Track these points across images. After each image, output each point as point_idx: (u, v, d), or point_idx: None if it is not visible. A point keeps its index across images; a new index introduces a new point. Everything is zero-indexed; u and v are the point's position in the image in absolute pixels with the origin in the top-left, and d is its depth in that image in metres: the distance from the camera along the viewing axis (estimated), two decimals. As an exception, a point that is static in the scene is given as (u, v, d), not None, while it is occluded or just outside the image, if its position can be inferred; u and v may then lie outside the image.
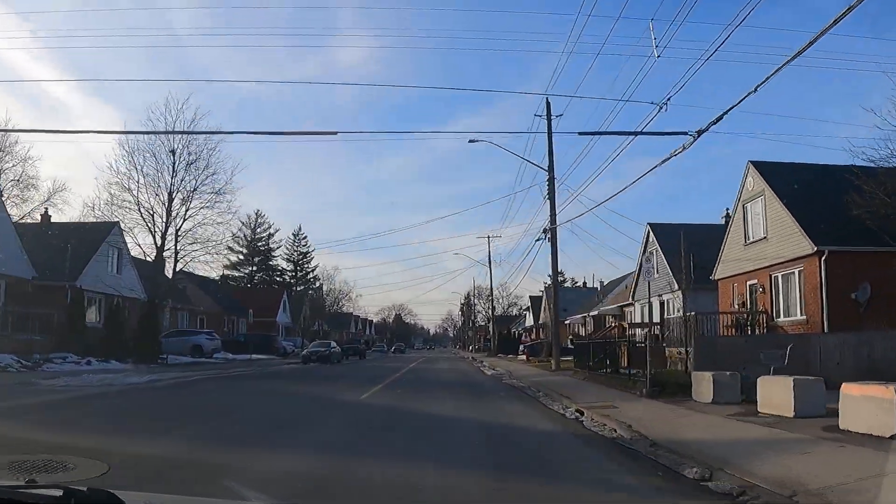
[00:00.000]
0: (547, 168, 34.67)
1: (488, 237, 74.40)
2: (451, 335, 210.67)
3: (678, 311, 36.00)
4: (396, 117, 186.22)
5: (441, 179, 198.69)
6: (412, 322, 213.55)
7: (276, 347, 58.60)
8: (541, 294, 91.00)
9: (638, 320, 41.10)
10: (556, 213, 34.40)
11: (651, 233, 39.91)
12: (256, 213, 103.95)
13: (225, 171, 50.98)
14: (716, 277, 31.20)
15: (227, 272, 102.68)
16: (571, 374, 28.68)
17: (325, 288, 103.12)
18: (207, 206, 42.10)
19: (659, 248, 38.39)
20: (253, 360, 48.85)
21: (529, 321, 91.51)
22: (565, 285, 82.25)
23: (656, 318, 38.99)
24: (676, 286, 35.75)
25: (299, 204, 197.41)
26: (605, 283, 71.89)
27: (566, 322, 69.59)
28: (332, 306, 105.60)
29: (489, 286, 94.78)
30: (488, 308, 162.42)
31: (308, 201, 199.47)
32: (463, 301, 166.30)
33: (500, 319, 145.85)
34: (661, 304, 38.89)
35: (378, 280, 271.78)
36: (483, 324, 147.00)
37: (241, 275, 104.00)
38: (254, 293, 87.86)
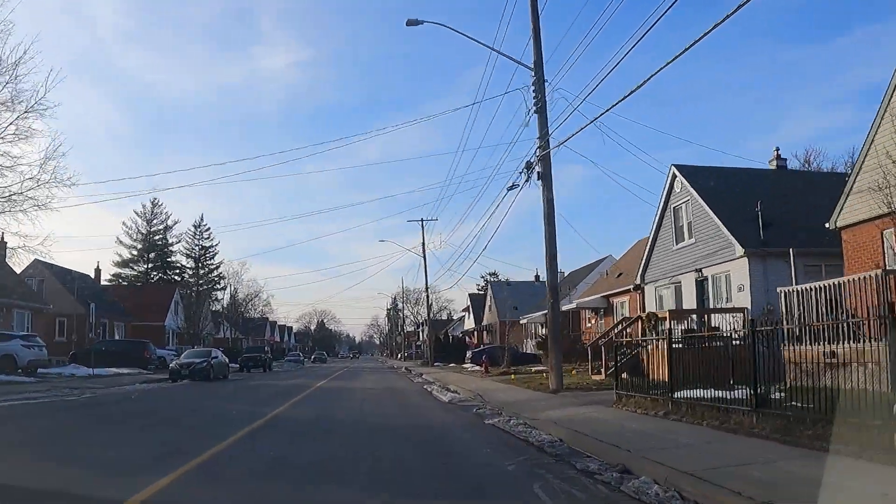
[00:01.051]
0: (532, 65, 20.86)
1: (422, 221, 60.54)
2: (378, 342, 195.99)
3: (737, 287, 22.95)
4: (320, 123, 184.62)
5: (366, 186, 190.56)
6: (336, 329, 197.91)
7: (145, 358, 43.47)
8: (482, 292, 77.64)
9: (655, 308, 27.78)
10: (549, 134, 20.61)
11: (679, 178, 26.53)
12: (152, 202, 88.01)
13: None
14: (840, 225, 18.01)
15: (118, 270, 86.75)
16: (619, 404, 14.75)
17: (231, 288, 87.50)
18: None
19: (698, 197, 25.15)
20: (106, 377, 34.29)
21: (469, 323, 77.99)
22: (515, 280, 69.20)
23: (688, 303, 25.89)
24: (738, 249, 22.68)
25: (218, 213, 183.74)
26: (566, 275, 59.08)
27: (521, 322, 56.33)
28: (243, 309, 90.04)
29: (419, 289, 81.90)
30: (416, 313, 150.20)
31: (228, 209, 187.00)
32: (389, 306, 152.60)
33: (431, 323, 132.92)
34: (702, 281, 25.69)
35: (300, 287, 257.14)
36: (413, 328, 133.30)
37: (135, 273, 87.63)
38: (139, 293, 71.87)
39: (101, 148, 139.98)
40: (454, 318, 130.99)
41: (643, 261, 30.02)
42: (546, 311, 49.18)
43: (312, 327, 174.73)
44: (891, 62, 47.49)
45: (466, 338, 71.89)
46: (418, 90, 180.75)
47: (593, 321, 41.11)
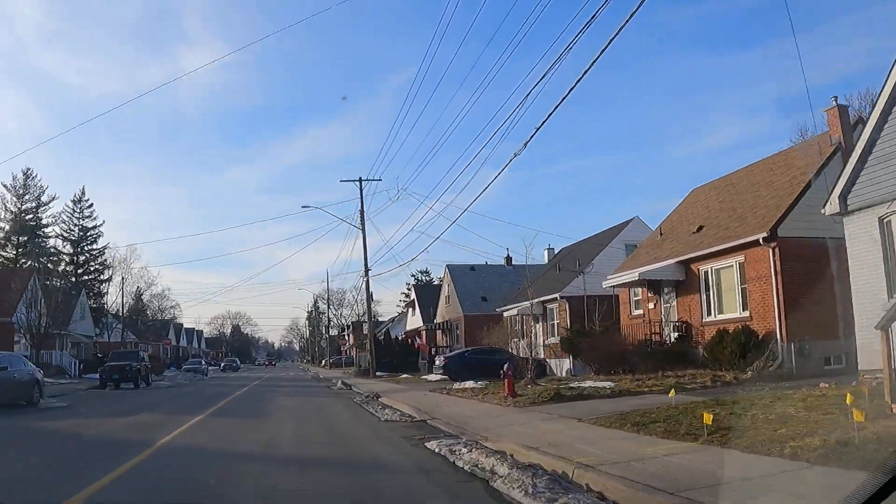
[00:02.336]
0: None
1: (360, 180, 45.06)
2: (299, 347, 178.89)
3: None
4: (243, 126, 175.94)
5: (286, 191, 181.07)
6: (253, 334, 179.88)
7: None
8: (432, 283, 62.88)
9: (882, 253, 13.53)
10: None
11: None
12: (25, 173, 70.47)
13: None
14: None
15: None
16: None
17: (118, 278, 70.35)
18: None
19: None
20: None
21: (414, 322, 63.02)
22: (481, 264, 54.43)
23: None
24: None
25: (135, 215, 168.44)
26: (556, 251, 45.11)
27: (503, 313, 41.97)
28: (135, 305, 73.11)
29: (341, 289, 66.91)
30: (341, 315, 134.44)
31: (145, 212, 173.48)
32: (311, 308, 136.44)
33: (358, 326, 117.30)
34: None
35: (216, 293, 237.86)
36: (340, 332, 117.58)
37: (1, 260, 69.98)
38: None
39: (21, 148, 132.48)
40: (381, 320, 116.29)
41: (846, 171, 15.28)
42: (558, 295, 34.84)
43: (227, 331, 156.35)
44: None
45: (415, 339, 56.97)
46: (342, 92, 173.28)
47: (654, 303, 26.97)
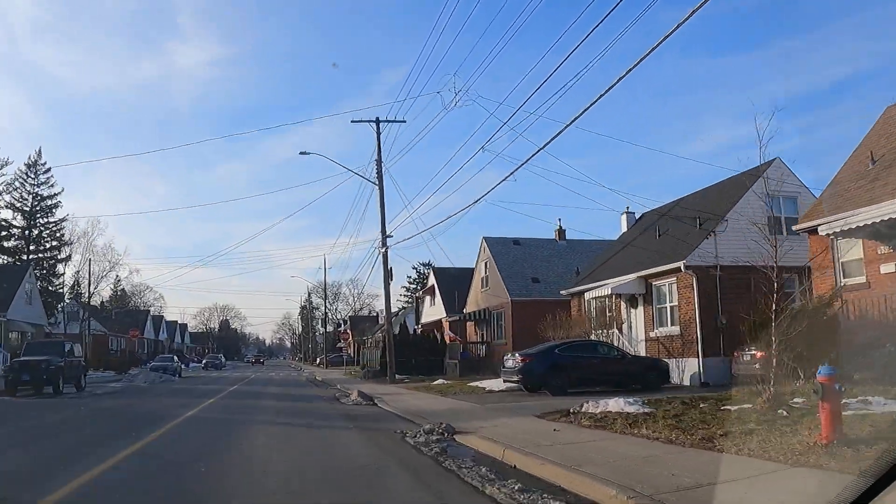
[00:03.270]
0: None
1: (376, 121, 33.25)
2: (291, 344, 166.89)
3: None
4: (234, 122, 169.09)
5: (276, 187, 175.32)
6: (242, 329, 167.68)
7: None
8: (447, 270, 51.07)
9: None
10: None
11: None
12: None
13: None
14: None
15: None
16: None
17: (76, 257, 58.34)
18: None
19: None
20: None
21: (434, 313, 51.04)
22: (525, 238, 42.41)
23: None
24: None
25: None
26: (638, 216, 33.38)
27: (581, 296, 30.36)
28: (95, 288, 61.28)
29: (337, 282, 55.79)
30: (336, 310, 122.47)
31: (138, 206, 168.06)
32: (304, 301, 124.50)
33: (356, 321, 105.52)
34: None
35: (207, 288, 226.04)
36: (336, 327, 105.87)
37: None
38: None
39: (10, 141, 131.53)
40: (379, 315, 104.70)
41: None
42: (682, 264, 22.89)
43: (214, 326, 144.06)
44: None
45: (434, 332, 45.22)
46: (335, 90, 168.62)
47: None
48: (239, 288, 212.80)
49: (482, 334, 40.90)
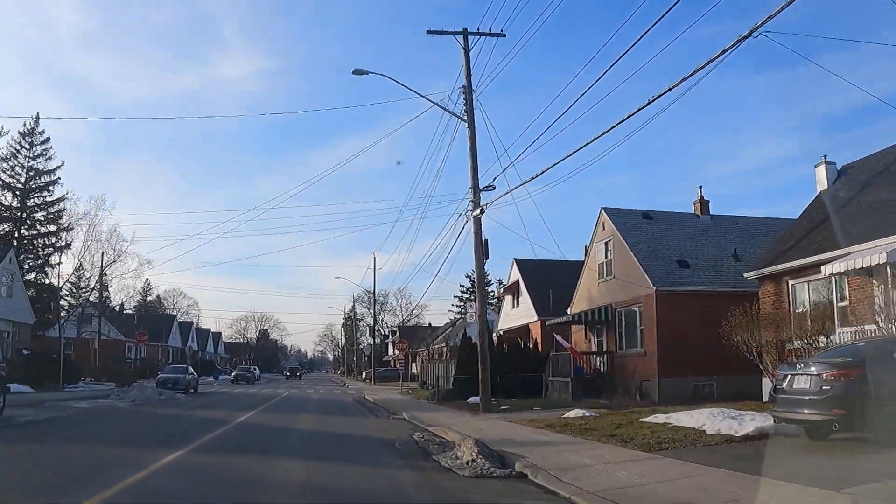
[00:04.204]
0: None
1: (464, 32, 22.30)
2: (333, 356, 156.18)
3: None
4: (279, 132, 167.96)
5: (320, 198, 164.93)
6: (282, 341, 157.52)
7: None
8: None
9: None
10: None
11: None
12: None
13: None
14: None
15: None
16: None
17: (79, 245, 47.84)
18: None
19: None
20: None
21: (517, 316, 39.35)
22: (659, 210, 30.47)
23: None
24: None
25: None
26: (840, 168, 21.64)
27: (784, 277, 18.36)
28: (104, 282, 50.90)
29: (383, 291, 46.14)
30: (382, 321, 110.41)
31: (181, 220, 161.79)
32: (348, 312, 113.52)
33: (406, 332, 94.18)
34: None
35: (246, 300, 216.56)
36: (384, 338, 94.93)
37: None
38: None
39: (56, 150, 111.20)
40: (423, 324, 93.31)
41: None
42: None
43: (252, 336, 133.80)
44: None
45: (526, 340, 33.40)
46: (376, 105, 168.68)
47: None
48: (279, 297, 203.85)
49: (600, 342, 29.22)
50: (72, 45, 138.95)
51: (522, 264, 38.38)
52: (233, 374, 64.46)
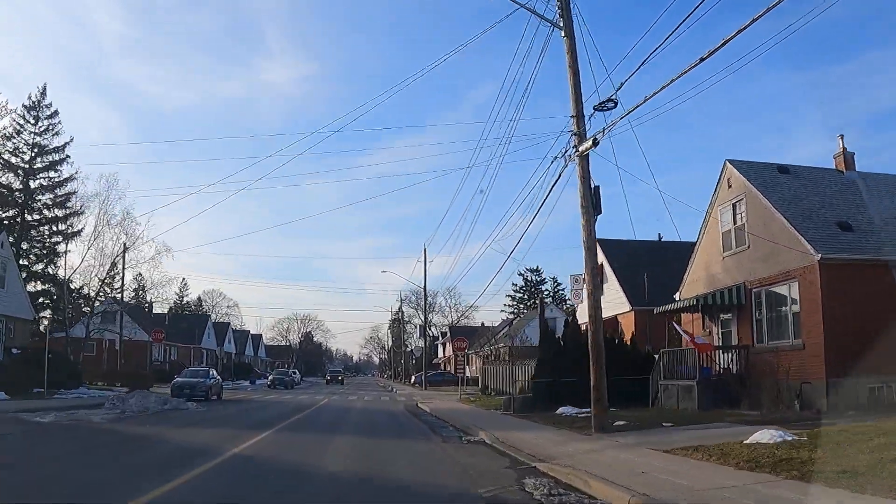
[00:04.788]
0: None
1: None
2: (380, 359, 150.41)
3: None
4: (321, 140, 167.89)
5: (365, 206, 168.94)
6: (327, 344, 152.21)
7: None
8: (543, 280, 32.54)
9: None
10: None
11: None
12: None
13: None
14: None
15: None
16: None
17: (88, 228, 42.38)
18: None
19: None
20: None
21: (604, 307, 32.64)
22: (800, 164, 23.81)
23: None
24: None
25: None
26: None
27: None
28: (117, 274, 45.36)
29: (432, 291, 40.85)
30: (430, 322, 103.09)
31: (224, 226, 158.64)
32: (395, 313, 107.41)
33: (456, 332, 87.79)
34: None
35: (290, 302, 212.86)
36: (434, 340, 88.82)
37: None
38: None
39: (99, 155, 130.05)
40: (472, 324, 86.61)
41: None
42: None
43: (293, 339, 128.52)
44: None
45: (681, 329, 26.31)
46: (425, 107, 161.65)
47: None
48: (323, 296, 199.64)
49: (726, 333, 22.40)
50: (115, 52, 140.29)
51: (607, 245, 31.62)
52: (270, 377, 58.63)
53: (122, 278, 46.92)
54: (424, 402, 31.96)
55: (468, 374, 76.00)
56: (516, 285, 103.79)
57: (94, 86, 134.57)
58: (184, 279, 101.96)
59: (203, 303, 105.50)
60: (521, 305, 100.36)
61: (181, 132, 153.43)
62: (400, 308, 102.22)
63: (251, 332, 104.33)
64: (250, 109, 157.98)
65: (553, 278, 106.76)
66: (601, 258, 31.70)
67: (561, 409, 20.35)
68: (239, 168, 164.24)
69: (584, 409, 18.06)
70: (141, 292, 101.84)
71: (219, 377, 35.05)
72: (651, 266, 29.04)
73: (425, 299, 56.28)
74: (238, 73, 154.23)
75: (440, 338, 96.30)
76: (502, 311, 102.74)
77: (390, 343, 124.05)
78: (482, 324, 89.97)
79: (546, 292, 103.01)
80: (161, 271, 51.78)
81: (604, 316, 30.33)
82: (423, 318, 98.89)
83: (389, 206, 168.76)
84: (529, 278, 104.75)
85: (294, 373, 68.65)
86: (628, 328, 28.63)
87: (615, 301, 30.22)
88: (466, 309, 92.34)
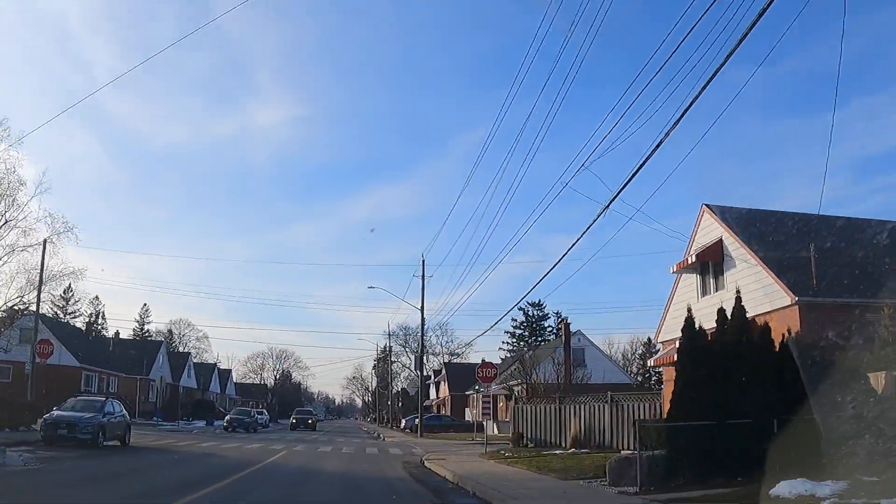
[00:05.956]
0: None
1: None
2: (363, 402, 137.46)
3: None
4: (310, 183, 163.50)
5: (350, 249, 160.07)
6: (307, 385, 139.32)
7: None
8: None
9: None
10: None
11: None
12: None
13: None
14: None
15: None
16: None
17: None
18: None
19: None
20: None
21: (755, 299, 21.00)
22: None
23: None
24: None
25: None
26: None
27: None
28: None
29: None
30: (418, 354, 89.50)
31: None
32: (382, 350, 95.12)
33: (454, 369, 75.88)
34: None
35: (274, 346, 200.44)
36: (426, 378, 76.68)
37: None
38: None
39: (87, 191, 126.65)
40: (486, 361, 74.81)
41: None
42: None
43: (268, 376, 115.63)
44: None
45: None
46: (411, 152, 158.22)
47: None
48: (303, 335, 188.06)
49: None
50: (108, 87, 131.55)
51: (728, 215, 20.13)
52: (227, 419, 46.46)
53: (40, 282, 35.03)
54: (434, 458, 20.23)
55: (468, 417, 64.05)
56: (516, 321, 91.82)
57: (87, 120, 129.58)
58: (145, 304, 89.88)
59: (173, 335, 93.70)
60: (522, 343, 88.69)
61: (169, 169, 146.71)
62: (388, 345, 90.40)
63: (218, 366, 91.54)
64: (240, 151, 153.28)
65: (556, 312, 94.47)
66: (718, 233, 20.33)
67: (785, 487, 8.92)
68: (227, 209, 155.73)
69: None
70: (95, 317, 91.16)
71: (124, 413, 23.23)
72: (810, 244, 17.78)
73: (422, 321, 44.37)
74: (228, 114, 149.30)
75: (433, 377, 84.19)
76: (500, 348, 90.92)
77: (375, 383, 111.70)
78: (483, 360, 78.00)
79: (549, 329, 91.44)
80: (62, 260, 38.36)
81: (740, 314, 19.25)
82: (413, 353, 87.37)
83: (378, 249, 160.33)
84: (531, 313, 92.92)
85: (261, 413, 56.37)
86: (784, 329, 17.20)
87: (760, 293, 18.75)
88: (465, 345, 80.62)
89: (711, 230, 20.20)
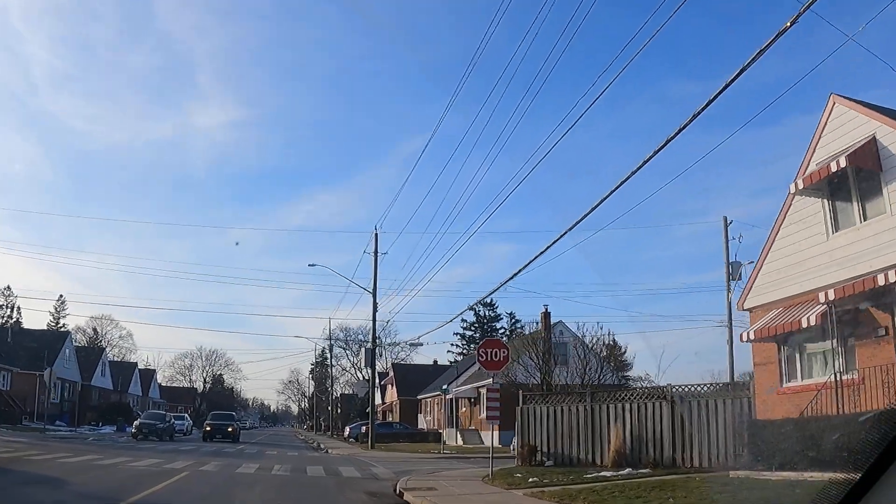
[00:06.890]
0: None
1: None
2: (299, 409, 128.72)
3: None
4: (252, 186, 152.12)
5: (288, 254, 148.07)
6: (241, 391, 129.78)
7: None
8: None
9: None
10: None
11: None
12: None
13: None
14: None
15: None
16: None
17: None
18: None
19: None
20: None
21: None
22: None
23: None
24: None
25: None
26: None
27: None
28: None
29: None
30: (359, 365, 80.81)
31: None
32: (324, 350, 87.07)
33: (402, 372, 68.49)
34: None
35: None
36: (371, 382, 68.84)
37: None
38: None
39: (22, 191, 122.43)
40: (438, 363, 67.29)
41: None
42: None
43: (197, 380, 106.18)
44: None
45: None
46: (348, 159, 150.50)
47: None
48: (236, 338, 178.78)
49: None
50: (46, 86, 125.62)
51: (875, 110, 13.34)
52: (136, 423, 38.21)
53: None
54: (416, 488, 12.93)
55: (422, 424, 56.78)
56: (466, 321, 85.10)
57: (24, 119, 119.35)
58: (61, 296, 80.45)
59: (98, 333, 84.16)
60: (472, 345, 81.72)
61: (108, 169, 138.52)
62: (325, 350, 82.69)
63: (139, 366, 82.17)
64: (179, 151, 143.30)
65: (510, 313, 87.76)
66: (870, 126, 13.27)
67: None
68: (165, 210, 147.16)
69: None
70: (10, 311, 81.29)
71: None
72: None
73: (374, 305, 36.46)
74: (169, 115, 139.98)
75: (378, 380, 76.44)
76: (449, 350, 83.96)
77: (313, 388, 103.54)
78: (435, 361, 71.11)
79: (502, 330, 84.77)
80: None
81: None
82: (355, 355, 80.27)
83: (316, 256, 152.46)
84: (482, 313, 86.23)
85: (180, 418, 48.09)
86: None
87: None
88: (412, 343, 73.06)
89: (853, 127, 13.11)
